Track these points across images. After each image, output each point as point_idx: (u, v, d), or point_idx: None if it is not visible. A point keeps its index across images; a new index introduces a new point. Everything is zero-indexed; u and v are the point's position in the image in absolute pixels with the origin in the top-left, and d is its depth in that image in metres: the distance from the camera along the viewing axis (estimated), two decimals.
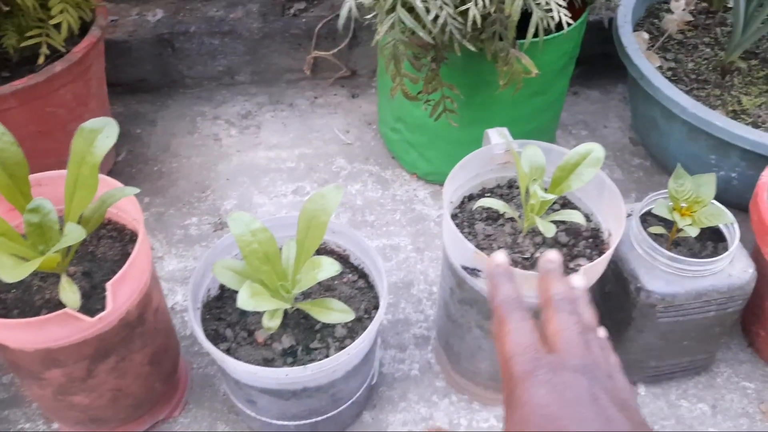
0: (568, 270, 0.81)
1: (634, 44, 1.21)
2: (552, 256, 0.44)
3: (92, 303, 0.75)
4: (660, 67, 1.23)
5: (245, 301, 0.68)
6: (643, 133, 1.34)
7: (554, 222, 0.78)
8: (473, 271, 0.78)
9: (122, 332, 0.75)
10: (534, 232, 0.85)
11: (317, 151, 1.34)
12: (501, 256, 0.44)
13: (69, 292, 0.71)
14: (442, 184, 1.29)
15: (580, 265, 0.81)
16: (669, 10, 1.36)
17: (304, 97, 1.45)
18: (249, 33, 1.37)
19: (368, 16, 0.89)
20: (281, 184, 1.27)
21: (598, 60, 1.43)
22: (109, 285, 0.68)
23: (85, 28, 1.06)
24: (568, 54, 1.11)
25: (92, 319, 0.67)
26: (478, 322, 0.84)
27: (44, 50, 0.98)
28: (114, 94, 1.23)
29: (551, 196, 0.75)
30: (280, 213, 1.22)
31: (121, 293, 0.71)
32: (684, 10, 1.33)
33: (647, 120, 1.26)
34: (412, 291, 1.11)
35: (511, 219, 0.86)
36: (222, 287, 0.88)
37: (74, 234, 0.67)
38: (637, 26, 1.35)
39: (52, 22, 0.95)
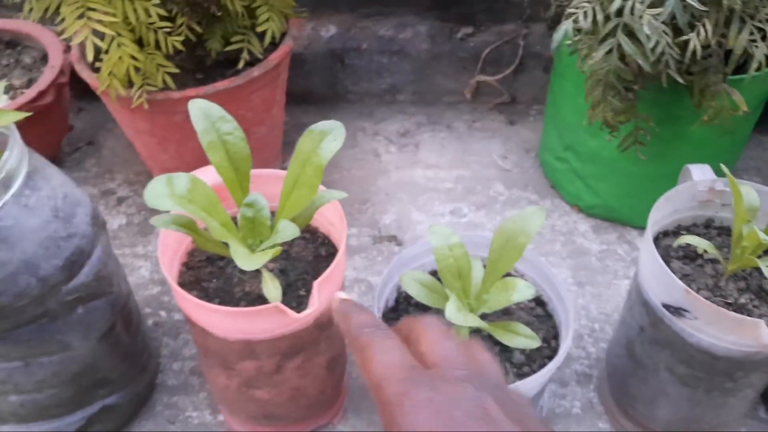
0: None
1: None
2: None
3: (287, 300, 0.77)
4: None
5: (454, 314, 0.68)
6: None
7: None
8: (677, 311, 0.74)
9: (314, 333, 0.77)
10: (737, 276, 0.80)
11: (475, 174, 1.34)
12: (343, 293, 0.41)
13: (272, 287, 0.72)
14: (605, 219, 1.26)
15: None
16: None
17: (462, 120, 1.46)
18: (417, 53, 1.39)
19: (572, 41, 0.88)
20: (439, 204, 1.27)
21: None
22: (316, 284, 0.69)
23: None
24: (765, 94, 1.06)
25: (298, 315, 0.68)
26: (669, 365, 0.80)
27: (245, 56, 1.02)
28: None
29: None
30: None
31: (322, 294, 0.72)
32: None
33: None
34: None
35: (712, 260, 0.82)
36: (397, 299, 0.88)
37: (288, 231, 0.68)
38: None
39: (259, 29, 0.99)
